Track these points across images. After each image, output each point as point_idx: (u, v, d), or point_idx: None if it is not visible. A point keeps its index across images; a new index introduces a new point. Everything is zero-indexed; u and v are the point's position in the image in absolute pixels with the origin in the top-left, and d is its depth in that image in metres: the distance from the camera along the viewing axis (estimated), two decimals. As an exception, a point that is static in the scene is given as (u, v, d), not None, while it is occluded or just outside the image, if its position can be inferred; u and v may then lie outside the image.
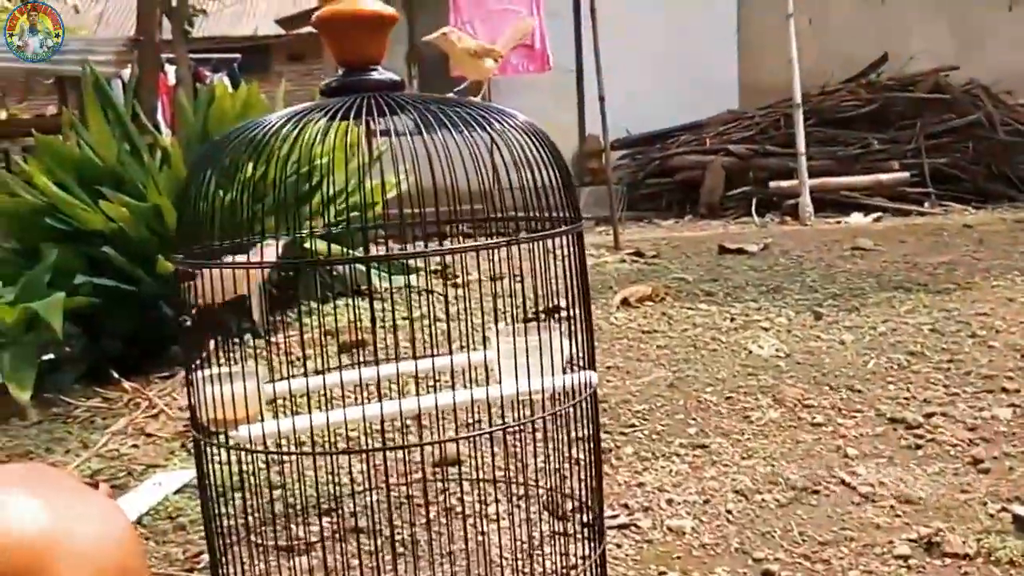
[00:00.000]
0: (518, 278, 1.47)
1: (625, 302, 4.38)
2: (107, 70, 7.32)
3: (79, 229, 4.00)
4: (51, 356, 3.99)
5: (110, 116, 4.44)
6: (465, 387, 1.41)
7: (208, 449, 1.26)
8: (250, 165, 1.39)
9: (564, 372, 1.33)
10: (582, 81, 9.04)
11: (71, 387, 3.71)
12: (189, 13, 9.47)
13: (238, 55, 13.27)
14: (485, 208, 1.59)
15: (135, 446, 2.96)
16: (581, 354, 1.37)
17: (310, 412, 1.24)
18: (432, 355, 1.59)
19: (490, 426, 1.26)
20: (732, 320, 3.96)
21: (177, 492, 2.45)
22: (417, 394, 1.80)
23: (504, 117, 1.35)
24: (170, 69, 9.65)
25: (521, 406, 1.41)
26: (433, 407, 1.24)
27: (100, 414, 3.37)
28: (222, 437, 1.24)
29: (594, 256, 5.86)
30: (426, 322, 2.07)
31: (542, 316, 1.43)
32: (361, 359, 1.69)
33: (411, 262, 4.39)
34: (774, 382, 3.09)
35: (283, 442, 1.32)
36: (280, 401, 1.52)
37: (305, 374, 1.43)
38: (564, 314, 1.42)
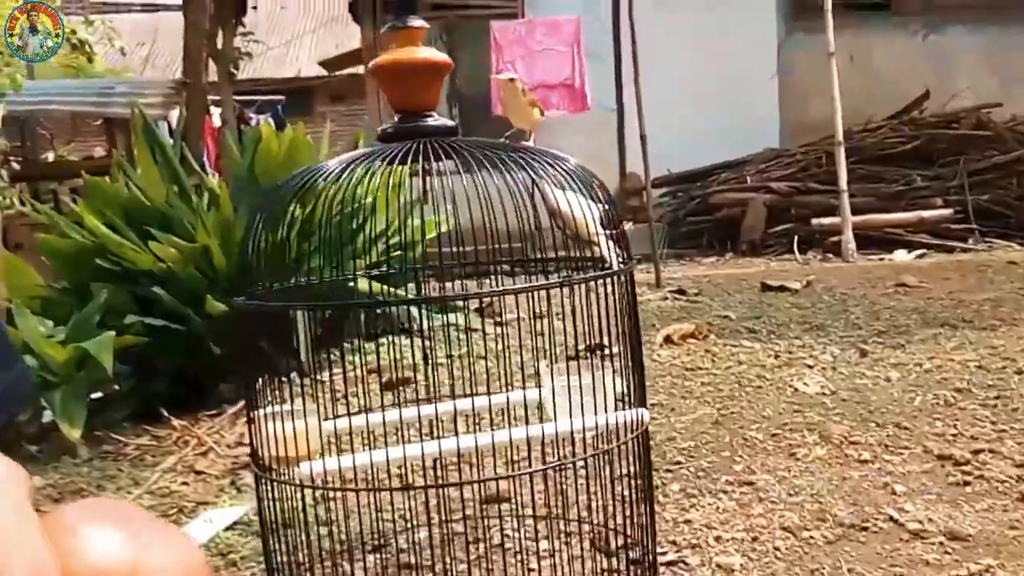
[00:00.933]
0: (559, 315, 1.49)
1: (668, 339, 4.38)
2: (155, 112, 7.50)
3: (129, 269, 4.08)
4: (100, 395, 4.06)
5: (158, 157, 4.54)
6: (515, 425, 1.42)
7: (268, 485, 1.28)
8: (296, 206, 1.43)
9: (616, 409, 1.35)
10: (623, 120, 9.07)
11: (121, 425, 3.77)
12: (235, 56, 9.68)
13: (281, 96, 13.52)
14: (524, 248, 1.61)
15: (185, 483, 2.99)
16: (631, 391, 1.38)
17: (371, 449, 1.26)
18: (486, 392, 1.60)
19: (543, 463, 1.27)
20: (776, 357, 3.94)
21: (228, 529, 2.48)
22: (462, 431, 1.81)
23: (556, 161, 1.38)
24: (215, 111, 9.86)
25: (571, 443, 1.42)
26: (490, 444, 1.25)
27: (150, 452, 3.42)
28: (280, 474, 1.26)
29: (637, 294, 5.85)
30: (470, 360, 2.10)
31: (585, 354, 1.44)
32: (409, 397, 1.71)
33: (454, 301, 4.42)
34: (820, 419, 3.06)
35: (335, 480, 1.34)
36: (331, 439, 1.54)
37: (360, 411, 1.45)
38: (608, 351, 1.43)
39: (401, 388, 2.49)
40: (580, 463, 1.35)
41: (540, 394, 1.39)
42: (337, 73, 14.77)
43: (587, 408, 1.26)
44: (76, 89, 9.32)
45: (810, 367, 3.74)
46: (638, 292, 5.95)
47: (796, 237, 8.18)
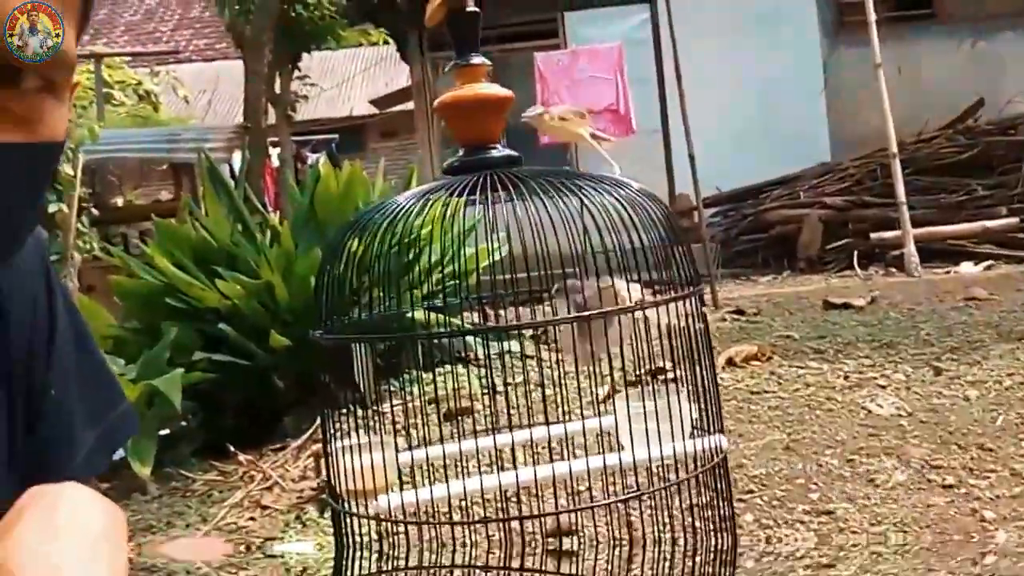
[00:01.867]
0: (625, 345, 1.46)
1: (730, 362, 4.30)
2: (219, 155, 7.68)
3: (196, 307, 4.15)
4: (168, 431, 4.12)
5: (223, 198, 4.63)
6: (578, 454, 1.40)
7: (347, 520, 1.28)
8: (355, 240, 1.44)
9: (691, 436, 1.32)
10: (669, 141, 9.03)
11: (189, 461, 3.81)
12: (292, 99, 9.89)
13: (335, 135, 13.74)
14: (579, 273, 1.58)
15: (252, 518, 3.01)
16: (706, 417, 1.35)
17: (447, 481, 1.25)
18: (545, 422, 1.58)
19: (616, 494, 1.25)
20: (846, 378, 3.84)
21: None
22: (544, 461, 1.79)
23: (621, 187, 1.37)
24: (273, 152, 10.06)
25: (644, 473, 1.39)
26: (567, 474, 1.23)
27: (217, 487, 3.45)
28: (358, 507, 1.26)
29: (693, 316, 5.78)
30: (527, 388, 2.08)
31: (660, 379, 1.41)
32: (469, 427, 1.69)
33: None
34: (897, 442, 2.97)
35: (412, 514, 1.32)
36: (404, 475, 1.53)
37: (441, 442, 1.44)
38: (669, 376, 1.40)
39: (461, 418, 2.47)
40: (657, 494, 1.31)
41: (615, 420, 1.36)
42: (388, 110, 14.99)
43: (662, 435, 1.23)
44: (145, 137, 9.59)
45: (882, 387, 3.64)
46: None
47: (855, 252, 8.04)
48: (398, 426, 3.45)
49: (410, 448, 1.41)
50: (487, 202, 1.36)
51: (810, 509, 2.53)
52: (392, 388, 4.21)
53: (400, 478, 1.25)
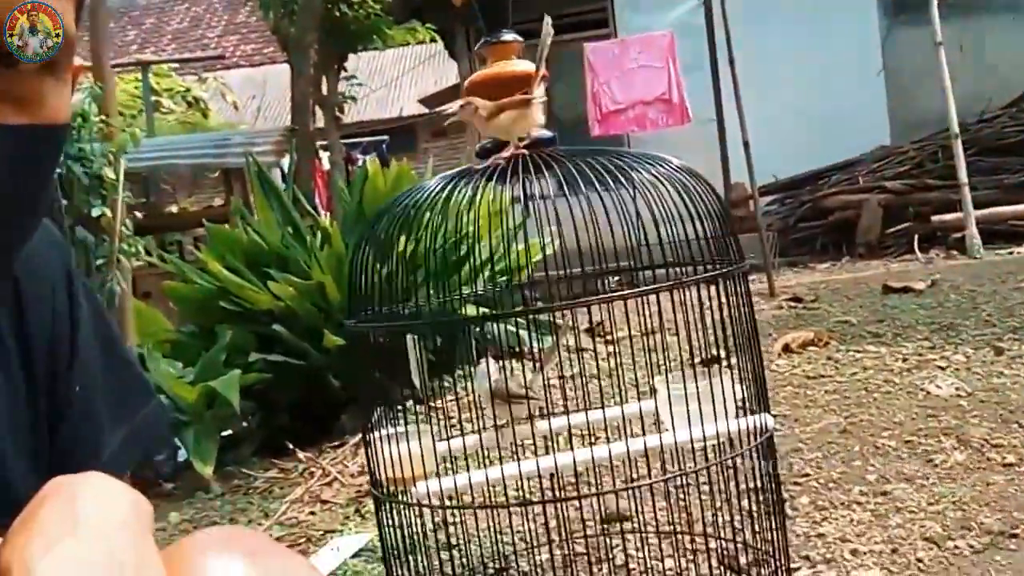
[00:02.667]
0: (672, 330, 1.45)
1: (787, 348, 4.25)
2: (267, 159, 7.78)
3: (250, 309, 4.22)
4: (230, 431, 4.19)
5: (273, 202, 4.70)
6: (635, 437, 1.39)
7: (387, 507, 1.29)
8: (403, 239, 1.44)
9: (737, 416, 1.30)
10: (723, 129, 8.93)
11: (250, 459, 3.88)
12: (339, 101, 9.96)
13: (386, 136, 13.82)
14: (640, 260, 1.57)
15: (312, 513, 3.05)
16: (753, 397, 1.33)
17: (484, 467, 1.25)
18: (600, 407, 1.58)
19: (664, 473, 1.24)
20: (904, 360, 3.77)
21: (354, 556, 2.51)
22: (576, 447, 1.78)
23: (659, 164, 1.35)
24: (323, 155, 10.15)
25: (692, 454, 1.38)
26: (607, 457, 1.23)
27: (278, 484, 3.50)
28: (399, 495, 1.27)
29: (750, 304, 5.72)
30: (583, 380, 2.07)
31: (700, 368, 1.40)
32: (526, 415, 1.70)
33: (561, 321, 4.39)
34: (957, 422, 2.91)
35: (453, 500, 1.33)
36: (446, 462, 1.54)
37: (478, 432, 1.44)
38: (724, 364, 1.39)
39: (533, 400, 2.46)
40: (702, 474, 1.30)
41: (655, 404, 1.35)
42: (438, 109, 15.04)
43: (705, 416, 1.22)
44: (195, 143, 9.74)
45: (942, 369, 3.56)
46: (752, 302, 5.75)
47: (916, 236, 7.87)
48: (452, 421, 3.48)
49: (445, 438, 1.41)
50: (534, 196, 1.35)
51: (867, 490, 2.49)
52: (446, 384, 4.23)
53: (438, 466, 1.26)
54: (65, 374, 0.75)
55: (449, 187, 1.36)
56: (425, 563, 1.57)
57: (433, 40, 13.32)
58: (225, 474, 3.72)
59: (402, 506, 1.24)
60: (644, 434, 1.32)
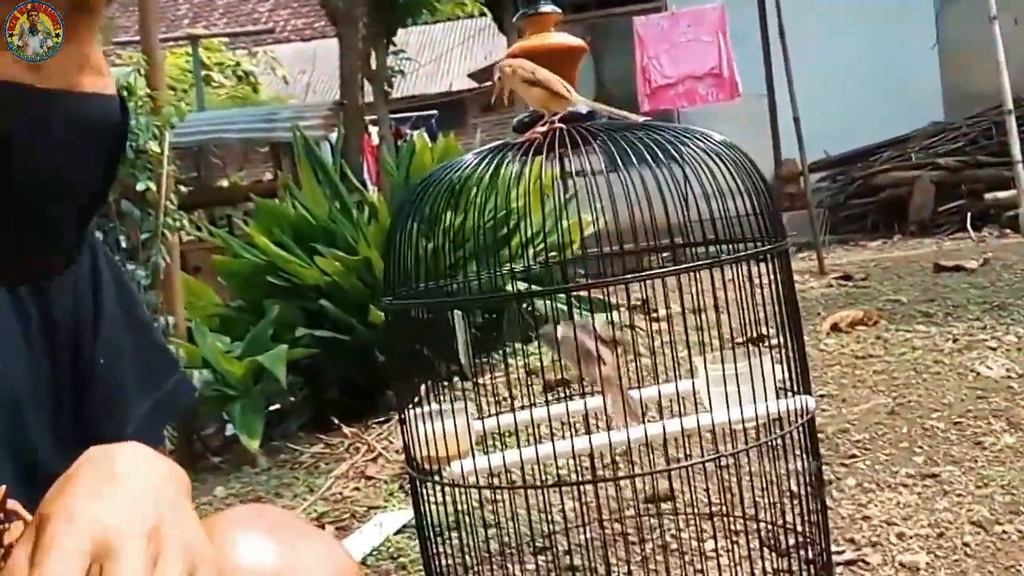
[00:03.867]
0: (721, 310, 1.43)
1: (835, 327, 4.19)
2: (315, 134, 7.82)
3: (297, 284, 4.26)
4: (277, 406, 4.25)
5: (321, 177, 4.72)
6: (669, 418, 1.38)
7: (423, 487, 1.29)
8: (449, 214, 1.44)
9: (777, 398, 1.28)
10: (774, 104, 8.78)
11: (296, 434, 3.93)
12: (388, 75, 9.97)
13: (435, 111, 13.82)
14: (684, 237, 1.55)
15: (356, 489, 3.08)
16: (794, 378, 1.31)
17: (519, 447, 1.25)
18: (637, 387, 1.57)
19: (704, 455, 1.23)
20: (955, 341, 3.70)
21: (397, 533, 2.53)
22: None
23: (701, 139, 1.33)
24: (373, 129, 10.18)
25: (734, 435, 1.36)
26: (643, 438, 1.22)
27: (323, 459, 3.55)
28: (436, 475, 1.27)
29: (798, 282, 5.64)
30: (628, 357, 2.06)
31: (749, 343, 1.38)
32: (567, 395, 1.69)
33: (610, 298, 4.37)
34: (1007, 405, 2.85)
35: (495, 479, 1.34)
36: (489, 439, 1.54)
37: (512, 411, 1.44)
38: (765, 344, 1.37)
39: (562, 388, 2.48)
40: (743, 456, 1.29)
41: (694, 384, 1.34)
42: (487, 83, 14.99)
43: (745, 397, 1.21)
44: (243, 117, 9.82)
45: (993, 349, 3.49)
46: (800, 280, 5.70)
47: (968, 214, 7.71)
48: (498, 398, 3.48)
49: (480, 416, 1.41)
50: (582, 173, 1.33)
51: (914, 472, 2.45)
52: (492, 361, 4.24)
53: (475, 445, 1.26)
54: (89, 347, 0.75)
55: (491, 161, 1.35)
56: (467, 540, 1.58)
57: (483, 14, 13.25)
58: (271, 448, 3.77)
59: (436, 485, 1.25)
60: (683, 414, 1.31)
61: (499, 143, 1.40)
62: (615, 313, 4.19)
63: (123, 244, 2.97)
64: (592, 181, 1.40)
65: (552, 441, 1.22)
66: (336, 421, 3.84)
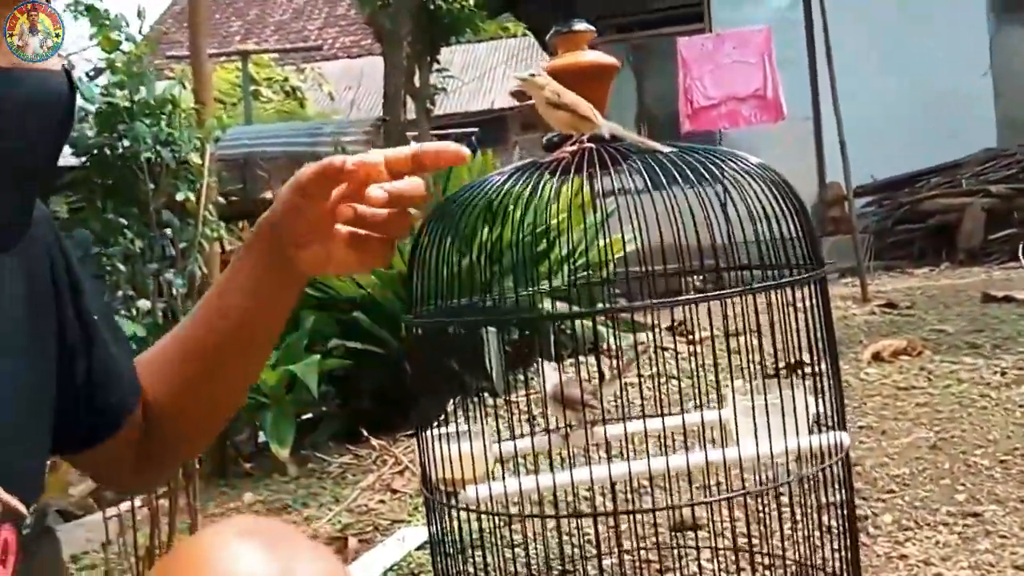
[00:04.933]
0: (755, 334, 1.38)
1: (877, 356, 4.09)
2: (357, 149, 7.86)
3: (333, 296, 4.27)
4: (309, 415, 4.25)
5: (359, 190, 4.74)
6: (702, 448, 1.33)
7: (439, 509, 1.26)
8: (485, 229, 1.41)
9: (811, 432, 1.23)
10: (820, 127, 8.69)
11: (325, 444, 3.92)
12: (431, 92, 10.03)
13: (476, 128, 13.86)
14: (717, 261, 1.51)
15: (382, 501, 3.06)
16: (829, 412, 1.26)
17: (536, 473, 1.21)
18: (670, 413, 1.52)
19: (729, 490, 1.18)
20: (1003, 374, 3.59)
21: (419, 548, 2.50)
22: (648, 454, 1.73)
23: (736, 161, 1.28)
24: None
25: (764, 468, 1.31)
26: (665, 469, 1.17)
27: (351, 470, 3.54)
28: (451, 497, 1.24)
29: (840, 308, 5.54)
30: (659, 380, 2.01)
31: (783, 372, 1.33)
32: (594, 416, 1.65)
33: (642, 320, 4.32)
34: (1057, 443, 2.75)
35: (511, 504, 1.30)
36: (505, 464, 1.50)
37: (531, 434, 1.40)
38: (808, 370, 1.32)
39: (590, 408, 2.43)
40: (775, 491, 1.24)
41: (721, 415, 1.29)
42: (528, 101, 14.99)
43: (776, 430, 1.16)
44: (288, 131, 9.93)
45: (1043, 385, 3.38)
46: (843, 306, 5.58)
47: (1021, 243, 7.54)
48: (525, 415, 3.45)
49: (500, 440, 1.38)
50: (619, 192, 1.30)
51: (955, 511, 2.37)
52: (523, 378, 4.21)
53: (488, 468, 1.22)
54: (82, 311, 0.77)
55: (518, 180, 1.32)
56: (485, 562, 1.54)
57: (525, 34, 13.28)
58: (301, 457, 3.77)
59: (449, 509, 1.21)
60: (707, 445, 1.26)
61: (527, 161, 1.37)
62: (648, 334, 4.13)
63: (167, 252, 3.01)
64: (628, 200, 1.36)
65: (570, 469, 1.18)
66: (365, 433, 3.83)
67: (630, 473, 1.18)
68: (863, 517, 2.37)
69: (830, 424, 1.25)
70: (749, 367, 1.48)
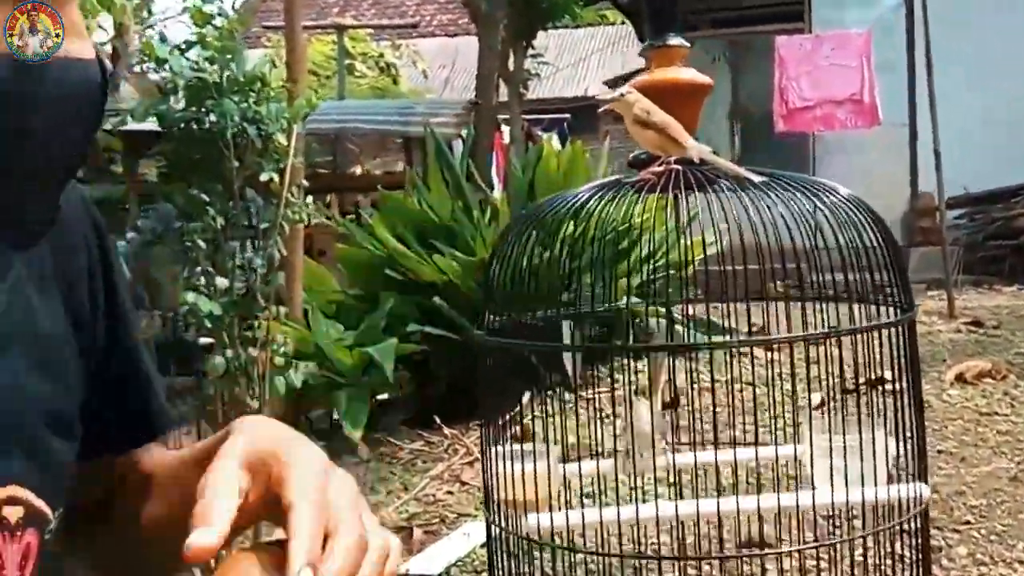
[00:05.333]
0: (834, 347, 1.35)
1: (960, 378, 3.98)
2: (447, 131, 7.89)
3: (413, 280, 4.30)
4: (384, 397, 4.30)
5: (447, 175, 4.76)
6: (775, 487, 1.30)
7: (496, 533, 1.26)
8: (571, 224, 1.41)
9: (889, 479, 1.20)
10: (915, 135, 8.42)
11: (398, 429, 3.97)
12: (524, 77, 10.00)
13: (568, 115, 13.78)
14: (799, 271, 1.46)
15: (450, 492, 3.09)
16: (910, 459, 1.22)
17: (600, 506, 1.21)
18: (738, 441, 1.50)
19: (802, 539, 1.16)
20: (1093, 408, 3.46)
21: (483, 546, 2.52)
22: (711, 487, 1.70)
23: (829, 195, 1.25)
24: (505, 129, 10.22)
25: (838, 516, 1.29)
26: (734, 511, 1.16)
27: (421, 457, 3.57)
28: (510, 523, 1.23)
29: (925, 324, 5.39)
30: (737, 386, 1.98)
31: (863, 388, 1.30)
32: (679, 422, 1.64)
33: (725, 322, 4.24)
34: None
35: (575, 535, 1.29)
36: (570, 489, 1.49)
37: (597, 455, 1.39)
38: (888, 387, 1.28)
39: (671, 409, 2.40)
40: (844, 542, 1.20)
41: (796, 450, 1.27)
42: (599, 97, 14.79)
43: (853, 475, 1.13)
44: (380, 109, 10.01)
45: None
46: (928, 322, 5.41)
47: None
48: (603, 413, 3.43)
49: (584, 458, 1.37)
50: (677, 213, 1.28)
51: (1033, 553, 2.29)
52: (600, 374, 4.19)
53: (550, 494, 1.22)
54: (113, 315, 0.74)
55: (603, 196, 1.31)
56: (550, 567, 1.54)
57: (624, 23, 13.14)
58: (373, 440, 3.82)
59: (510, 535, 1.22)
60: (787, 485, 1.24)
61: (613, 179, 1.36)
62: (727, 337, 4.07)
63: (251, 230, 3.02)
64: (713, 209, 1.34)
65: (636, 504, 1.17)
66: (438, 420, 3.86)
67: (698, 513, 1.17)
68: (936, 548, 2.31)
69: (910, 472, 1.22)
70: (828, 379, 1.44)
